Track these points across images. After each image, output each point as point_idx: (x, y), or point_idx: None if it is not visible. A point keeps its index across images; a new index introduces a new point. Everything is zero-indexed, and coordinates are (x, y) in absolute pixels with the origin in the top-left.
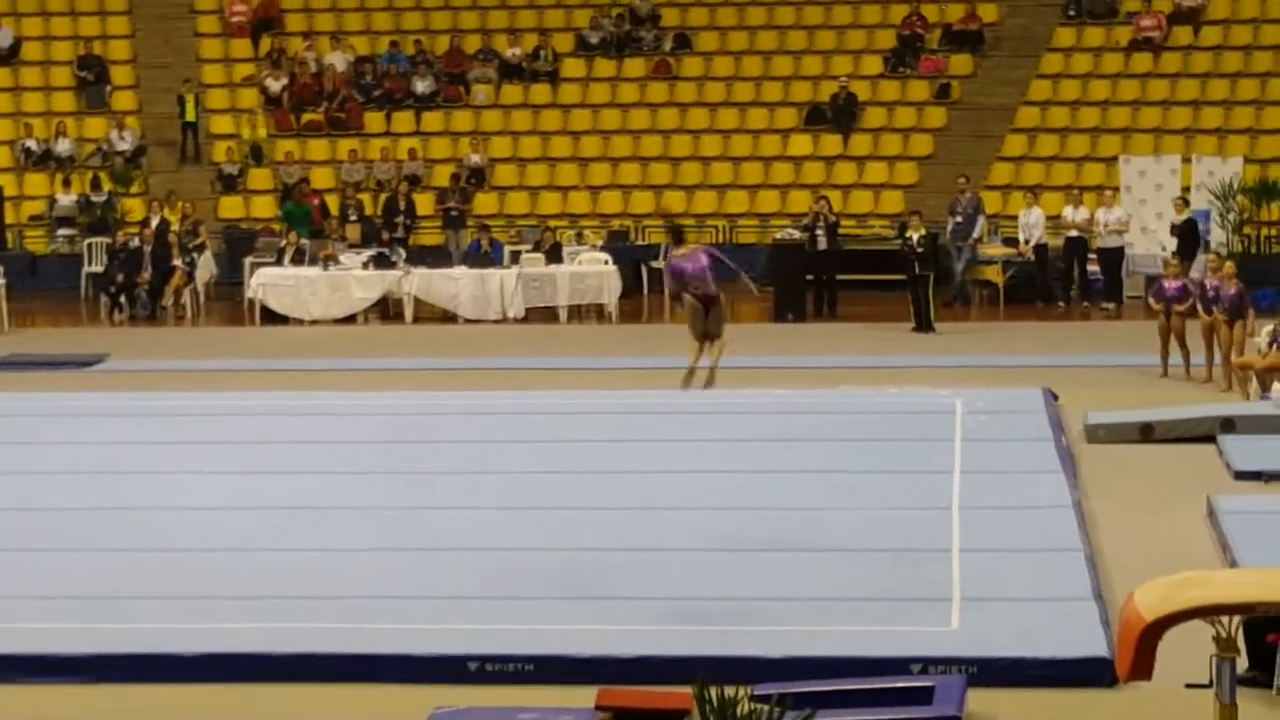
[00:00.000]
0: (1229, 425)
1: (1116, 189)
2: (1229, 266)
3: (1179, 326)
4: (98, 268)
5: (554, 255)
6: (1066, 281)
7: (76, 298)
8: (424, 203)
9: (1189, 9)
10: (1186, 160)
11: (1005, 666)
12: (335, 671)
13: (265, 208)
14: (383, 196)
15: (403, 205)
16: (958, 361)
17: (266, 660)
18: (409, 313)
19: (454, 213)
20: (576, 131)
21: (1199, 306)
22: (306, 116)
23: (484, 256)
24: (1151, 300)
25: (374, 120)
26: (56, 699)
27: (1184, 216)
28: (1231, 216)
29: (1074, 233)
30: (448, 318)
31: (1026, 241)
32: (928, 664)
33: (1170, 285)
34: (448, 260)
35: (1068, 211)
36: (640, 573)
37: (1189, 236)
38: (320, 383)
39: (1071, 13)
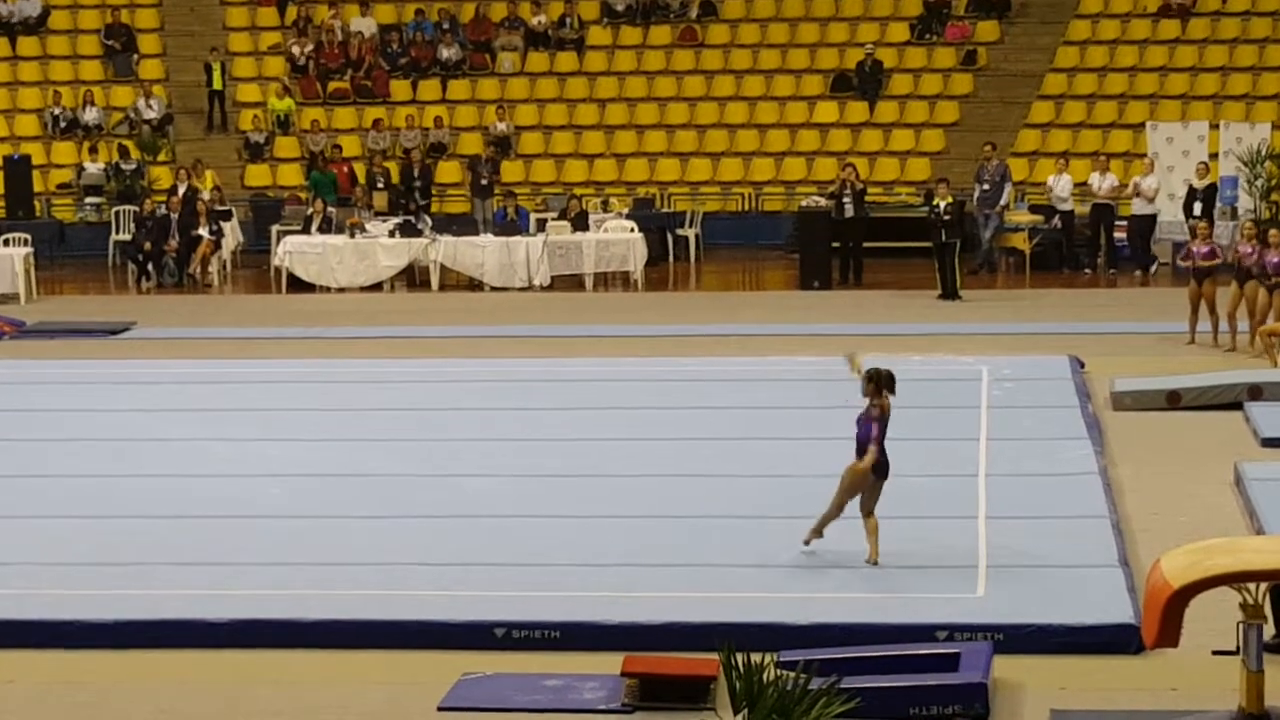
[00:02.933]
0: (1256, 392)
1: (1145, 155)
2: (1248, 226)
3: (1210, 292)
4: (125, 236)
5: (580, 223)
6: (1093, 248)
7: (104, 266)
8: (451, 170)
9: None
10: (1214, 126)
11: (1031, 633)
12: (363, 638)
13: (292, 176)
14: (410, 165)
15: (417, 173)
16: (984, 329)
17: (294, 627)
18: (435, 280)
19: (481, 181)
20: (602, 99)
21: (1236, 274)
22: (333, 85)
23: (510, 224)
24: (1180, 261)
25: (400, 88)
26: (85, 665)
27: (1206, 182)
28: (1259, 183)
29: (1101, 199)
30: (474, 285)
31: (1053, 210)
32: (953, 631)
33: (1199, 250)
34: (474, 228)
35: (1094, 178)
36: (666, 539)
37: (1211, 202)
38: (347, 351)
39: None
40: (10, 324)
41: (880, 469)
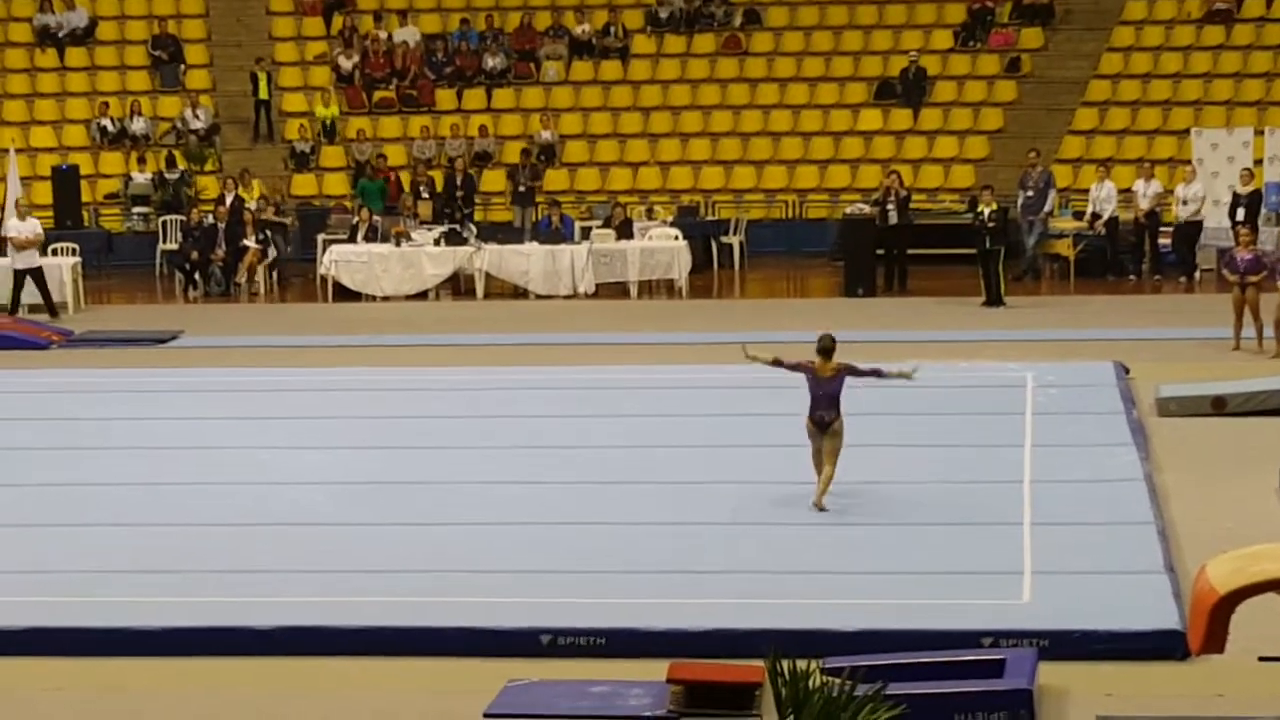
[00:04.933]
0: None
1: (1189, 162)
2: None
3: (1253, 299)
4: (172, 245)
5: (624, 231)
6: (1137, 255)
7: (151, 275)
8: (496, 179)
9: None
10: (1259, 132)
11: (1077, 639)
12: (409, 645)
13: (338, 185)
14: (452, 174)
15: (460, 182)
16: (1028, 335)
17: (340, 633)
18: (480, 289)
19: (519, 188)
20: (646, 107)
21: (1275, 279)
22: (378, 94)
23: (555, 232)
24: (1225, 272)
25: (445, 97)
26: (130, 672)
27: (1250, 189)
28: None
29: (1146, 205)
30: (519, 293)
31: (1096, 215)
32: (999, 637)
33: (1243, 256)
34: (519, 236)
35: (1139, 185)
36: (711, 546)
37: (1255, 208)
38: (392, 359)
39: None
40: (58, 333)
41: (818, 424)
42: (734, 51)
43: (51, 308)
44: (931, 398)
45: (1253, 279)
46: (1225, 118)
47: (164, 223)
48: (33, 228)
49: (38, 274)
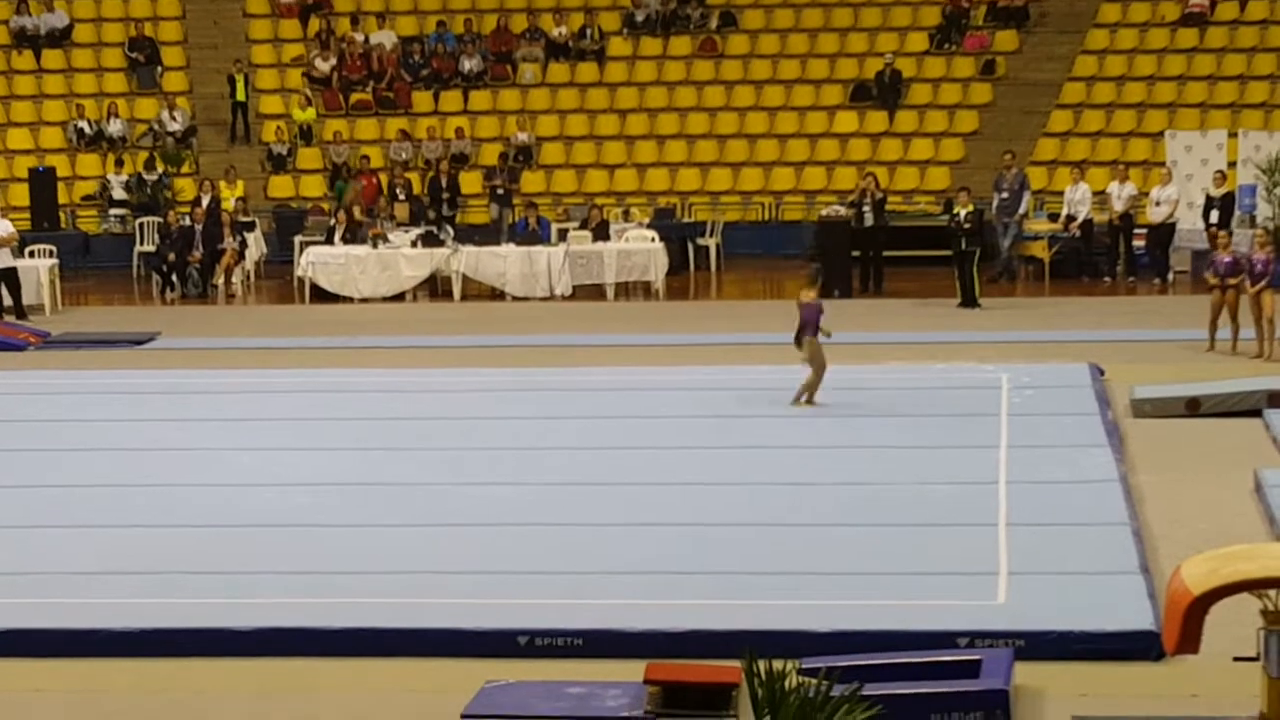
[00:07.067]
0: (1276, 399)
1: (1163, 163)
2: (1261, 235)
3: (1233, 300)
4: (149, 247)
5: (601, 233)
6: (1112, 257)
7: (128, 277)
8: (472, 181)
9: None
10: (1233, 135)
11: (1052, 640)
12: (386, 646)
13: (314, 187)
14: (430, 175)
15: (445, 184)
16: (1004, 337)
17: (318, 635)
18: (457, 290)
19: (501, 191)
20: (623, 110)
21: (1248, 280)
22: (355, 96)
23: (531, 234)
24: (1207, 275)
25: (422, 100)
26: (111, 674)
27: (1223, 191)
28: (1278, 190)
29: (1121, 208)
30: (496, 295)
31: (1072, 218)
32: (975, 637)
33: (1223, 260)
34: (495, 238)
35: (1113, 187)
36: (687, 547)
37: (1228, 210)
38: (369, 360)
39: None
40: (36, 335)
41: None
42: (710, 54)
43: (20, 309)
44: (907, 399)
45: (1233, 282)
46: (1199, 120)
47: (141, 224)
48: (5, 227)
49: (10, 275)
